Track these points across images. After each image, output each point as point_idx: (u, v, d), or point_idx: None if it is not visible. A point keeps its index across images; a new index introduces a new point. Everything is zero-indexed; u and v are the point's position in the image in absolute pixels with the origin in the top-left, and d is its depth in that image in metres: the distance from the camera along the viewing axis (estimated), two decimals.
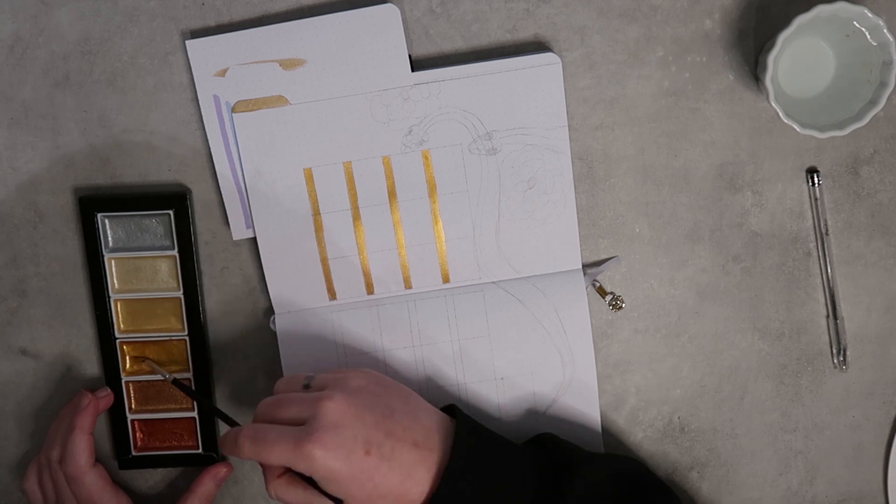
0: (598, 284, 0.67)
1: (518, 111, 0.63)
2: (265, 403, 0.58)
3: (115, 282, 0.67)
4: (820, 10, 0.59)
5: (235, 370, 0.69)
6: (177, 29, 0.64)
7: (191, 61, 0.63)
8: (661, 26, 0.65)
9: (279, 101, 0.63)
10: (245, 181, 0.64)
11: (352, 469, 0.54)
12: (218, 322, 0.68)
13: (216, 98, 0.63)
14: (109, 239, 0.67)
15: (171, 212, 0.65)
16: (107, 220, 0.66)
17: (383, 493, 0.56)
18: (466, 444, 0.58)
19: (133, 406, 0.69)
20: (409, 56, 0.63)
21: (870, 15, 0.59)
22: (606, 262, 0.66)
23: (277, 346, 0.68)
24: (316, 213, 0.65)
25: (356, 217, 0.65)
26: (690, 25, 0.65)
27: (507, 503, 0.57)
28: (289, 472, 0.57)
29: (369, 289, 0.66)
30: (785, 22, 0.60)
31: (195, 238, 0.67)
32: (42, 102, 0.65)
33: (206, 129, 0.64)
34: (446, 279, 0.66)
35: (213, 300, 0.68)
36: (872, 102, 0.61)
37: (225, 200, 0.65)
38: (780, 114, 0.61)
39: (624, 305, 0.67)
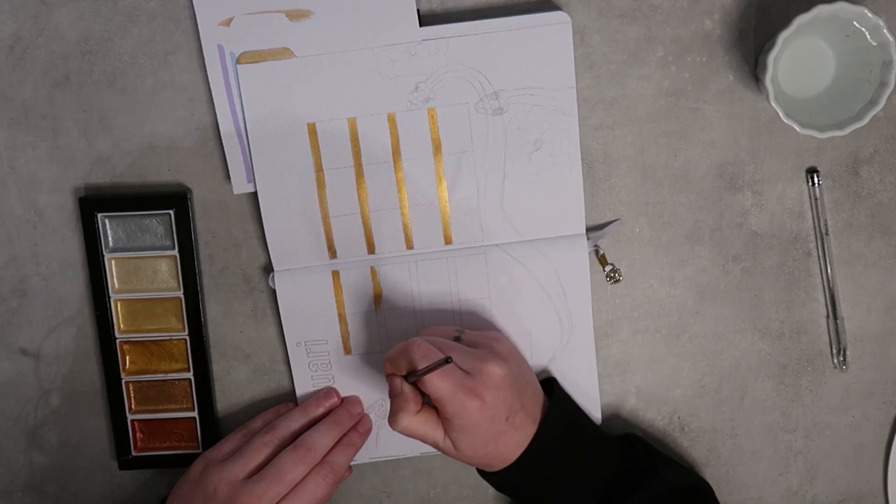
0: (601, 252, 0.66)
1: (526, 71, 0.63)
2: (424, 339, 0.60)
3: (115, 282, 0.67)
4: (820, 10, 0.59)
5: (235, 370, 0.69)
6: (177, 29, 0.64)
7: (196, 9, 0.62)
8: (661, 26, 0.64)
9: (284, 53, 0.63)
10: (247, 134, 0.64)
11: (490, 428, 0.58)
12: (218, 322, 0.68)
13: (220, 48, 0.63)
14: (109, 239, 0.67)
15: (171, 212, 0.65)
16: (107, 220, 0.66)
17: (495, 453, 0.60)
18: (555, 426, 0.62)
19: (133, 406, 0.69)
20: (418, 11, 0.63)
21: (870, 15, 0.59)
22: (609, 226, 0.66)
23: (276, 344, 0.68)
24: (318, 168, 0.64)
25: (359, 174, 0.65)
26: (690, 25, 0.65)
27: (581, 485, 0.62)
28: (425, 408, 0.60)
29: (370, 248, 0.66)
30: (785, 22, 0.60)
31: (195, 238, 0.67)
32: (42, 102, 0.65)
33: (210, 80, 0.63)
34: (448, 241, 0.66)
35: (213, 300, 0.68)
36: (872, 102, 0.61)
37: (227, 154, 0.65)
38: (780, 114, 0.61)
39: (621, 279, 0.67)
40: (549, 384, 0.66)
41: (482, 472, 0.64)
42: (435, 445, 0.61)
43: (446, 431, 0.60)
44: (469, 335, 0.63)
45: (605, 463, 0.63)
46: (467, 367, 0.59)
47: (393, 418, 0.60)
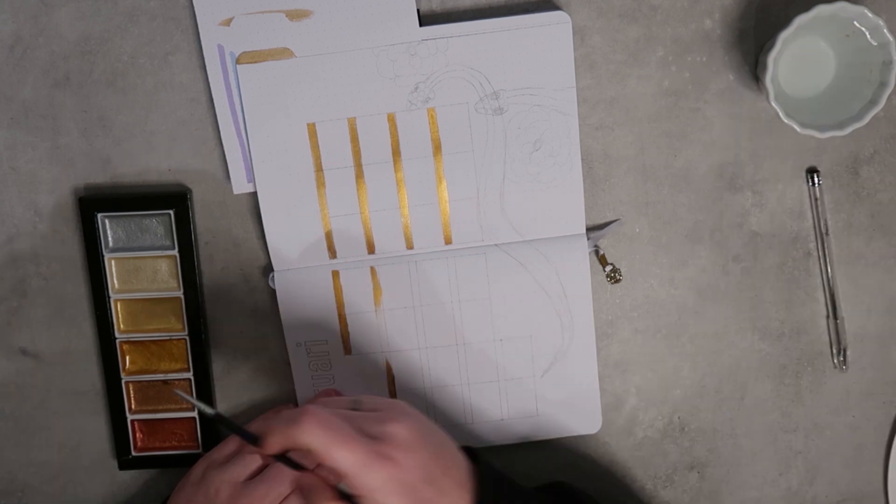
0: (601, 252, 0.67)
1: (526, 71, 0.63)
2: (316, 408, 0.52)
3: (115, 282, 0.67)
4: (820, 10, 0.59)
5: (235, 371, 0.69)
6: (177, 29, 0.64)
7: (196, 9, 0.62)
8: (661, 26, 0.65)
9: (284, 53, 0.63)
10: (247, 134, 0.64)
11: (414, 497, 0.51)
12: (218, 322, 0.68)
13: (220, 48, 0.63)
14: (109, 239, 0.67)
15: (171, 212, 0.65)
16: (107, 220, 0.66)
17: None
18: (492, 489, 0.56)
19: (133, 406, 0.69)
20: (418, 11, 0.63)
21: (870, 15, 0.59)
22: (609, 226, 0.66)
23: (277, 344, 0.68)
24: (318, 169, 0.65)
25: (359, 175, 0.65)
26: (690, 25, 0.65)
27: None
28: (338, 498, 0.52)
29: (370, 248, 0.66)
30: (785, 22, 0.60)
31: (195, 238, 0.67)
32: (42, 102, 0.65)
33: (210, 80, 0.63)
34: (448, 241, 0.66)
35: (213, 300, 0.68)
36: (872, 102, 0.61)
37: (226, 154, 0.65)
38: (780, 114, 0.61)
39: (621, 279, 0.67)
40: (470, 452, 0.59)
41: None
42: None
43: None
44: (368, 402, 0.56)
45: None
46: (373, 433, 0.52)
47: None
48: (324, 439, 0.50)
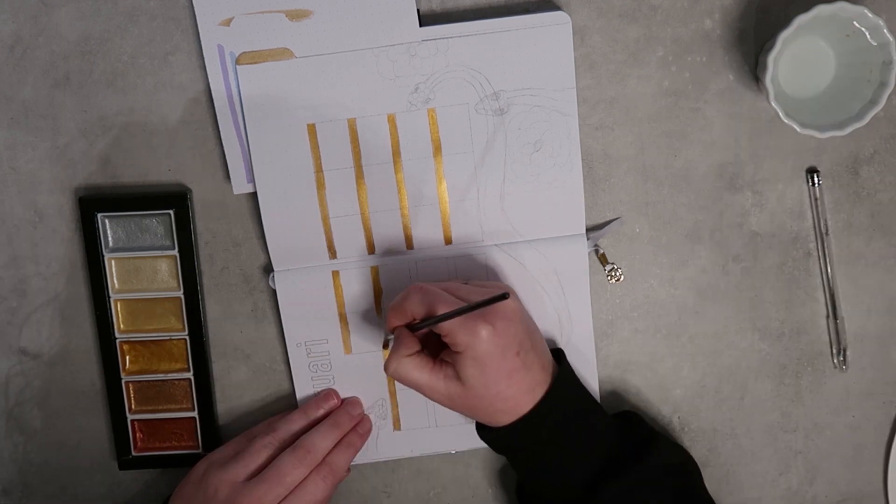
0: (601, 251, 0.67)
1: (526, 71, 0.63)
2: (422, 283, 0.60)
3: (115, 282, 0.67)
4: (820, 10, 0.59)
5: (235, 370, 0.69)
6: (177, 29, 0.64)
7: (196, 9, 0.63)
8: (661, 26, 0.65)
9: (284, 53, 0.63)
10: (247, 134, 0.64)
11: (501, 361, 0.57)
12: (218, 322, 0.68)
13: (220, 48, 0.63)
14: (109, 239, 0.67)
15: (171, 212, 0.65)
16: (107, 220, 0.66)
17: (506, 395, 0.59)
18: (567, 385, 0.62)
19: (133, 406, 0.69)
20: (418, 11, 0.63)
21: (870, 15, 0.59)
22: (608, 225, 0.66)
23: (277, 344, 0.68)
24: (318, 169, 0.65)
25: (359, 175, 0.65)
26: (690, 25, 0.65)
27: (584, 451, 0.61)
28: (420, 353, 0.60)
29: (370, 248, 0.66)
30: (785, 22, 0.60)
31: (195, 238, 0.67)
32: (42, 102, 0.65)
33: (210, 80, 0.64)
34: (448, 241, 0.66)
35: (213, 300, 0.68)
36: (872, 102, 0.61)
37: (226, 154, 0.65)
38: (780, 114, 0.61)
39: (622, 278, 0.67)
40: (557, 354, 0.65)
41: (482, 433, 0.63)
42: (434, 392, 0.59)
43: (458, 371, 0.58)
44: (476, 281, 0.63)
45: (608, 431, 0.63)
46: (477, 300, 0.57)
47: (386, 363, 0.60)
48: (427, 303, 0.57)
